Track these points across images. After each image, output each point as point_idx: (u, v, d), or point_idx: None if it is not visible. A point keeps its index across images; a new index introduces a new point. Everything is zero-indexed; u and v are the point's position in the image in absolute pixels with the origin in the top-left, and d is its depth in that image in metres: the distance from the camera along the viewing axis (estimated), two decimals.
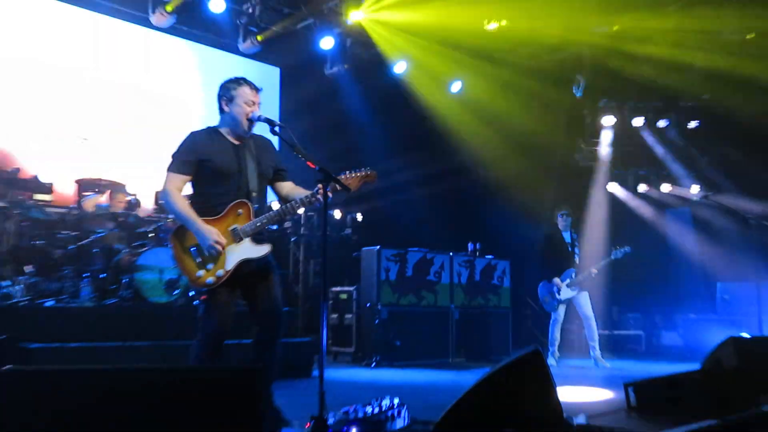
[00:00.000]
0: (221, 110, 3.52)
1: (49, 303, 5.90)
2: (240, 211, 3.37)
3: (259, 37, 9.02)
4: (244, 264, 3.35)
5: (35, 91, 8.21)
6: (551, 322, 7.79)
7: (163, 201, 3.43)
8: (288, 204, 3.45)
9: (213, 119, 3.65)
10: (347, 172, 3.40)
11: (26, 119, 8.04)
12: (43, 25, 8.40)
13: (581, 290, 7.64)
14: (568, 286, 7.59)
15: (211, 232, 3.26)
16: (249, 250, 3.37)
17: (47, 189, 7.19)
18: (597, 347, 7.59)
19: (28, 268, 6.39)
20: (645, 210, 11.41)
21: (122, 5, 8.90)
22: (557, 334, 7.75)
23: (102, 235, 6.51)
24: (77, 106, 8.35)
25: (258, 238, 3.42)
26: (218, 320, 3.34)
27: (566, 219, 7.87)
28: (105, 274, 6.28)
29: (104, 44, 8.92)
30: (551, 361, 7.54)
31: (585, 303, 7.65)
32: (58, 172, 7.31)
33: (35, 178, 7.09)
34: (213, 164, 3.38)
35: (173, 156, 3.41)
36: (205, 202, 3.38)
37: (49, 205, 7.21)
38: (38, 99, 8.19)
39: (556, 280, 7.63)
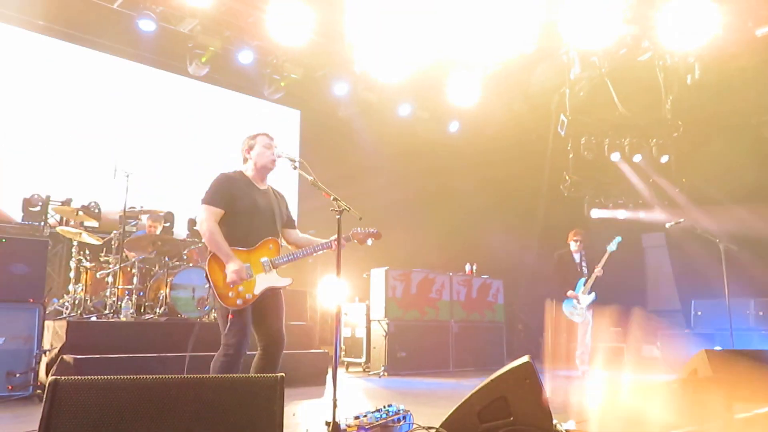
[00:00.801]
0: (245, 160, 3.63)
1: (93, 318, 5.90)
2: (271, 246, 3.49)
3: (282, 83, 9.13)
4: (268, 290, 3.42)
5: (85, 132, 8.35)
6: (580, 330, 7.54)
7: (200, 229, 3.44)
8: (310, 248, 3.61)
9: (240, 156, 3.69)
10: (359, 228, 3.63)
11: (79, 156, 8.17)
12: (97, 76, 8.58)
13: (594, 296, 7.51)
14: (582, 293, 7.47)
15: (237, 266, 3.31)
16: (275, 279, 3.46)
17: (95, 216, 7.24)
18: (587, 360, 7.48)
19: (76, 287, 6.40)
20: (624, 234, 11.33)
21: (165, 57, 9.08)
22: (587, 341, 7.54)
23: (141, 257, 6.53)
24: (122, 145, 8.46)
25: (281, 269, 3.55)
26: (243, 336, 3.33)
27: (578, 242, 7.76)
28: (143, 293, 6.28)
29: (149, 91, 9.08)
30: (584, 367, 7.39)
31: (589, 319, 7.55)
32: (105, 201, 7.37)
33: (85, 206, 7.15)
34: (244, 202, 3.44)
35: (208, 192, 3.44)
36: (238, 235, 3.41)
37: (95, 231, 7.25)
38: (88, 140, 8.33)
39: (571, 292, 7.50)
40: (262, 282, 3.40)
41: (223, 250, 3.33)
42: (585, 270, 7.67)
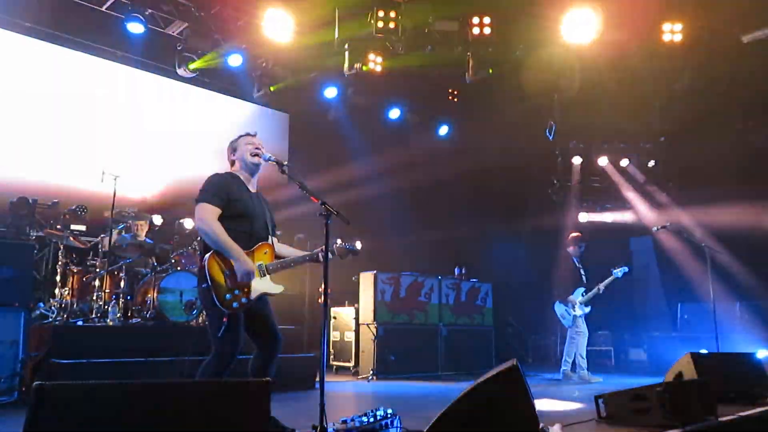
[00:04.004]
0: (232, 164, 3.63)
1: (80, 322, 5.85)
2: (266, 251, 3.47)
3: (271, 88, 9.12)
4: (261, 296, 3.40)
5: (72, 135, 8.29)
6: (575, 338, 7.48)
7: (200, 228, 3.33)
8: (299, 258, 3.62)
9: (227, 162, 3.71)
10: (337, 242, 3.67)
11: (66, 158, 8.12)
12: (83, 79, 8.51)
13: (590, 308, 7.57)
14: (580, 303, 7.51)
15: (249, 263, 3.29)
16: (269, 286, 3.46)
17: (82, 220, 7.19)
18: (570, 363, 7.51)
19: (62, 291, 6.35)
20: (611, 237, 11.41)
21: (153, 60, 9.03)
22: (583, 350, 7.51)
23: (129, 261, 6.49)
24: (110, 148, 8.40)
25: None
26: (236, 341, 3.29)
27: (580, 246, 7.77)
28: (131, 296, 6.24)
29: (137, 93, 9.01)
30: (592, 378, 7.32)
31: (583, 322, 7.58)
32: (93, 205, 7.32)
33: (72, 209, 7.09)
34: (240, 204, 3.41)
35: (204, 190, 3.38)
36: (236, 237, 3.33)
37: (82, 235, 7.19)
38: (75, 143, 8.27)
39: (571, 298, 7.51)
40: (258, 287, 3.36)
41: (231, 247, 3.25)
42: (584, 278, 7.68)
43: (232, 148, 3.62)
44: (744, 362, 5.07)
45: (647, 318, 10.83)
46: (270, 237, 3.57)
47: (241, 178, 3.55)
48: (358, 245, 3.83)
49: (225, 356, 3.27)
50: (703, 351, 6.06)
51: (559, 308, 7.64)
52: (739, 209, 9.20)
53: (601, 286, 7.50)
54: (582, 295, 7.55)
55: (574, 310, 7.49)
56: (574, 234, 7.96)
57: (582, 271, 7.71)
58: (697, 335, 8.32)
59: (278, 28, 7.94)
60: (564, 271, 7.72)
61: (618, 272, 7.49)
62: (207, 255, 3.28)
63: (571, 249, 7.78)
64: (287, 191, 6.32)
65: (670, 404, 3.50)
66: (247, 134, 3.66)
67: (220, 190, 3.37)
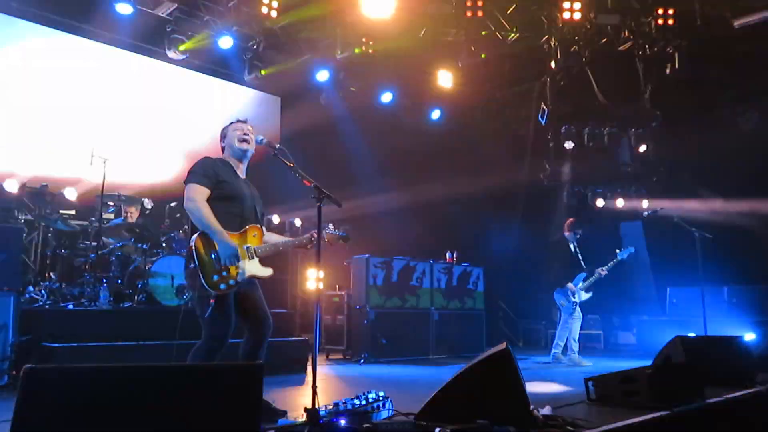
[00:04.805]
0: (223, 150, 3.67)
1: (70, 306, 5.82)
2: (255, 234, 3.47)
3: (262, 71, 9.02)
4: (249, 279, 3.39)
5: (61, 118, 8.17)
6: (570, 322, 7.42)
7: (188, 207, 3.33)
8: (289, 242, 3.73)
9: (218, 143, 3.74)
10: (329, 228, 3.69)
11: (54, 141, 8.02)
12: (71, 61, 8.38)
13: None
14: (581, 289, 7.43)
15: (233, 245, 3.28)
16: (257, 269, 3.44)
17: (71, 203, 7.12)
18: (561, 346, 7.55)
19: (52, 275, 6.31)
20: (602, 222, 11.46)
21: (142, 42, 8.89)
22: (576, 334, 7.47)
23: (119, 245, 6.45)
24: (99, 131, 8.30)
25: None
26: (226, 324, 3.29)
27: (577, 231, 7.65)
28: (121, 280, 6.21)
29: (126, 75, 8.88)
30: (583, 361, 7.28)
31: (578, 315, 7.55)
32: (82, 188, 7.25)
33: (61, 193, 7.02)
34: (229, 186, 3.43)
35: (194, 171, 3.39)
36: (225, 219, 3.35)
37: (72, 218, 7.13)
38: (65, 126, 8.16)
39: (570, 285, 7.40)
40: (246, 269, 3.35)
41: (215, 229, 3.26)
42: (582, 263, 7.59)
43: (222, 135, 3.66)
44: (731, 345, 5.13)
45: (636, 302, 10.93)
46: (260, 221, 3.58)
47: (231, 163, 3.59)
48: (349, 231, 3.81)
49: (215, 339, 3.27)
50: (692, 334, 6.12)
51: (558, 296, 7.54)
52: (729, 194, 9.26)
53: (603, 270, 7.41)
54: (582, 281, 7.47)
55: (575, 297, 7.40)
56: (572, 219, 7.88)
57: (579, 257, 7.63)
58: (686, 319, 8.41)
59: (269, 10, 7.83)
60: (561, 258, 7.61)
61: (623, 253, 7.39)
62: (195, 235, 3.29)
63: (568, 234, 7.68)
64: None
65: (659, 386, 3.54)
66: (238, 121, 3.68)
67: (209, 171, 3.40)
